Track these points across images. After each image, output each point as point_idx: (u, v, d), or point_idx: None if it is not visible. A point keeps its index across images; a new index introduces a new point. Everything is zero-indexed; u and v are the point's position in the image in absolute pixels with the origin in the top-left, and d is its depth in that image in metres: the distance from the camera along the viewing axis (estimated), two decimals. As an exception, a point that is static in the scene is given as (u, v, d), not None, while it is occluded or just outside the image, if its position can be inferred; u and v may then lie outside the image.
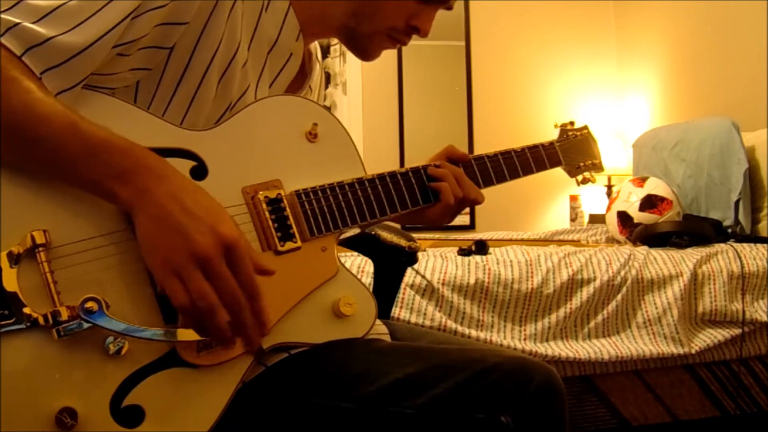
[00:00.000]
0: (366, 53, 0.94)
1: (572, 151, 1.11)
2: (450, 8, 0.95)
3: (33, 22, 0.66)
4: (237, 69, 0.82)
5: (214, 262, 0.65)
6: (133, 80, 0.78)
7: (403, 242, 1.15)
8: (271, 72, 0.90)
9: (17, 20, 0.65)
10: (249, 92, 0.86)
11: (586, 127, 1.15)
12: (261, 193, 0.80)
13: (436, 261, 1.76)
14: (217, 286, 0.65)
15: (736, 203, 2.38)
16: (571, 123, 1.14)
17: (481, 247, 1.88)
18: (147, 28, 0.73)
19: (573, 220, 3.58)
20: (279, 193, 0.80)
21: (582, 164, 1.13)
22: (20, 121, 0.65)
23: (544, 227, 3.67)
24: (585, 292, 1.78)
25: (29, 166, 0.68)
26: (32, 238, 0.66)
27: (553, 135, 1.13)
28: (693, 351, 1.80)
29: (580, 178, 1.14)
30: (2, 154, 0.66)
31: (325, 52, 3.57)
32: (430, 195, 0.94)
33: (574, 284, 1.78)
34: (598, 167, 1.15)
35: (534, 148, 1.05)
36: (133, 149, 0.69)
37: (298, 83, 1.00)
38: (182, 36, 0.77)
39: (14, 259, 0.66)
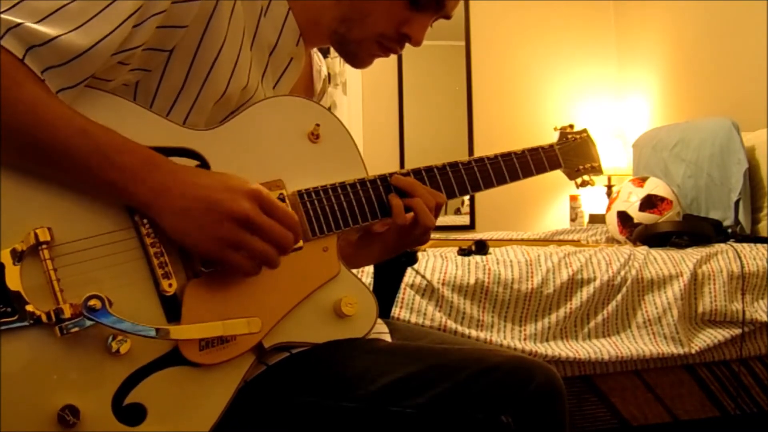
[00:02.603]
0: (355, 60, 0.93)
1: (572, 154, 1.11)
2: (448, 17, 0.93)
3: (35, 22, 0.66)
4: (242, 73, 0.82)
5: (256, 217, 0.71)
6: (132, 80, 0.78)
7: (403, 242, 1.15)
8: (274, 76, 0.90)
9: (19, 20, 0.65)
10: (256, 95, 0.86)
11: (585, 131, 1.16)
12: (263, 192, 0.80)
13: (436, 261, 1.76)
14: (266, 236, 0.72)
15: (736, 203, 2.38)
16: (571, 126, 1.14)
17: (481, 247, 1.88)
18: (148, 34, 0.74)
19: (573, 220, 3.58)
20: (281, 193, 0.81)
21: (581, 167, 1.13)
22: (28, 127, 0.65)
23: (544, 227, 3.67)
24: (585, 292, 1.78)
25: (40, 171, 0.68)
26: (35, 235, 0.66)
27: (552, 135, 1.14)
28: (693, 351, 1.81)
29: (579, 180, 1.14)
30: (11, 159, 0.67)
31: (326, 52, 3.57)
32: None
33: (574, 284, 1.79)
34: (597, 170, 1.15)
35: (534, 151, 1.05)
36: (140, 149, 0.70)
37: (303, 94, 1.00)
38: (182, 39, 0.76)
39: (17, 257, 0.66)
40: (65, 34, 0.67)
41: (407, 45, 0.92)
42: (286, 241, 0.74)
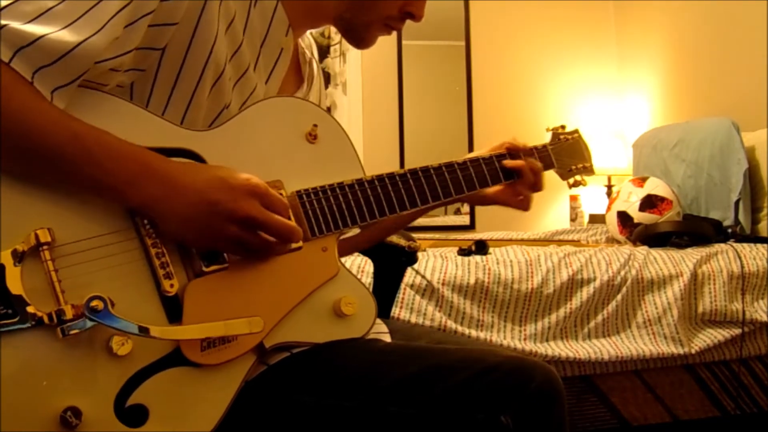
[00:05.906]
0: (361, 42, 0.96)
1: (564, 155, 1.12)
2: None
3: (22, 24, 0.66)
4: (232, 65, 0.83)
5: (259, 216, 0.73)
6: (127, 82, 0.78)
7: (402, 242, 1.15)
8: (266, 68, 0.91)
9: (4, 22, 0.65)
10: (247, 76, 0.87)
11: (577, 131, 1.16)
12: (263, 193, 0.80)
13: (436, 261, 1.76)
14: (270, 230, 0.75)
15: (736, 203, 2.38)
16: (563, 126, 1.15)
17: (481, 247, 1.88)
18: (141, 34, 0.74)
19: (573, 220, 3.58)
20: (280, 194, 0.81)
21: (574, 167, 1.14)
22: (20, 134, 0.65)
23: (544, 227, 3.67)
24: (585, 292, 1.79)
25: (33, 176, 0.68)
26: (36, 236, 0.66)
27: (548, 135, 1.14)
28: (693, 351, 1.81)
29: (571, 181, 1.15)
30: (6, 165, 0.66)
31: (325, 52, 3.57)
32: (429, 197, 0.95)
33: (574, 284, 1.79)
34: (589, 170, 1.16)
35: (528, 152, 1.06)
36: (134, 152, 0.70)
37: (294, 86, 1.00)
38: (174, 36, 0.77)
39: (18, 258, 0.66)
40: (54, 32, 0.67)
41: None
42: (290, 233, 0.76)
